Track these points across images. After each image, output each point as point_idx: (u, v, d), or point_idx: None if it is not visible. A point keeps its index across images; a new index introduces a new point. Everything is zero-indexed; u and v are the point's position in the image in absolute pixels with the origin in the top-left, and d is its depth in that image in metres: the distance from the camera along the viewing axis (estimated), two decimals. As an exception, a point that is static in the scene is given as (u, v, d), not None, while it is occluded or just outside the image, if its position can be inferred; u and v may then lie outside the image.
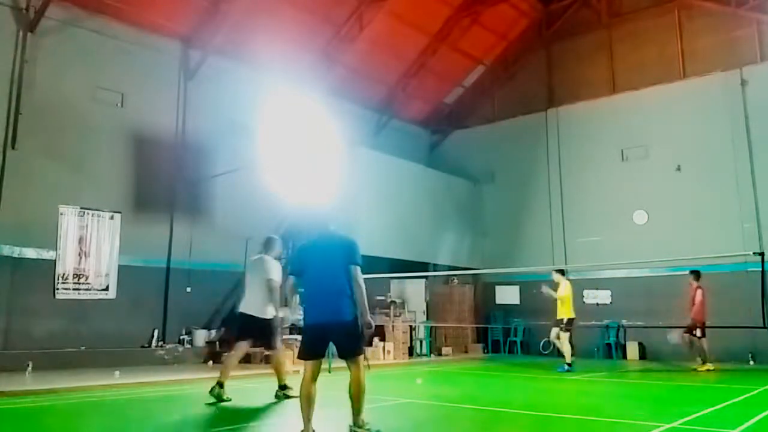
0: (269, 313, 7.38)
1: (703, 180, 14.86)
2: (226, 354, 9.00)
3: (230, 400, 7.00)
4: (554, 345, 12.07)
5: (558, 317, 11.78)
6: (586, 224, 16.52)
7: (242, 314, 7.49)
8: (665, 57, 16.08)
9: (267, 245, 7.82)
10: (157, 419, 5.98)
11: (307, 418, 4.77)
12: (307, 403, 4.79)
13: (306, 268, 5.14)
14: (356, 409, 4.87)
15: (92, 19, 12.21)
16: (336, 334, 4.92)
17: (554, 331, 11.79)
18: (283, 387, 7.57)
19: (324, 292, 4.95)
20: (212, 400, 6.85)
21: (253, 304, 7.44)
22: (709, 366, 11.64)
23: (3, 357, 10.18)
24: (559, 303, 11.76)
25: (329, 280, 4.95)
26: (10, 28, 11.25)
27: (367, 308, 5.01)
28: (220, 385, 7.07)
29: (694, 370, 11.58)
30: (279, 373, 7.60)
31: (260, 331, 7.46)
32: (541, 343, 15.01)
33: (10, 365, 9.95)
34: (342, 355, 5.00)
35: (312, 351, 4.95)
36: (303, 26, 14.84)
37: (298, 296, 5.70)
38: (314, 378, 4.88)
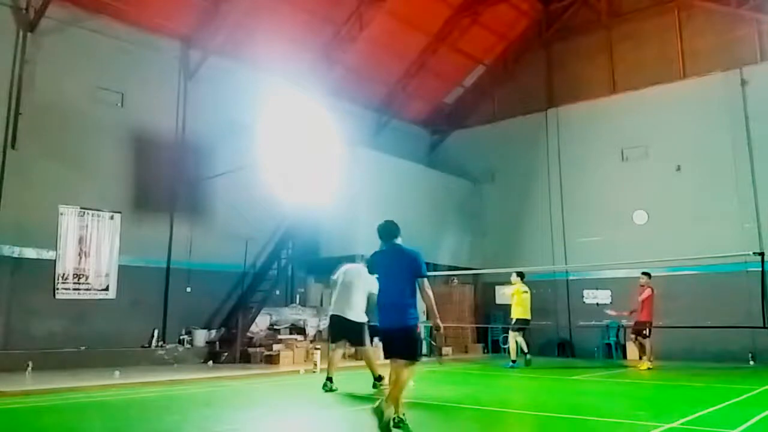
0: (364, 318, 8.59)
1: (703, 180, 14.86)
2: (329, 351, 9.46)
3: (337, 389, 8.21)
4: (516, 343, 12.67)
5: (510, 317, 12.89)
6: (586, 224, 16.52)
7: (342, 318, 8.53)
8: (665, 57, 16.08)
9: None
10: (157, 419, 5.98)
11: (396, 405, 5.41)
12: (396, 390, 5.42)
13: (380, 273, 5.80)
14: (391, 396, 5.33)
15: (92, 19, 12.21)
16: (398, 338, 5.47)
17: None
18: (378, 378, 8.41)
19: (391, 301, 5.57)
20: (327, 392, 8.09)
21: (353, 309, 8.54)
22: (649, 365, 11.94)
23: (3, 357, 10.18)
24: (512, 303, 12.86)
25: (396, 290, 5.53)
26: (10, 28, 11.25)
27: (437, 313, 5.66)
28: (330, 379, 8.28)
29: (648, 369, 11.93)
30: (371, 367, 8.56)
31: (356, 333, 8.58)
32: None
33: (10, 365, 9.96)
34: (401, 357, 5.45)
35: (387, 352, 5.62)
36: (303, 26, 14.84)
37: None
38: (395, 371, 5.51)
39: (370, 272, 6.20)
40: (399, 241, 5.84)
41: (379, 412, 5.13)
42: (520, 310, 12.67)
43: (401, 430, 5.27)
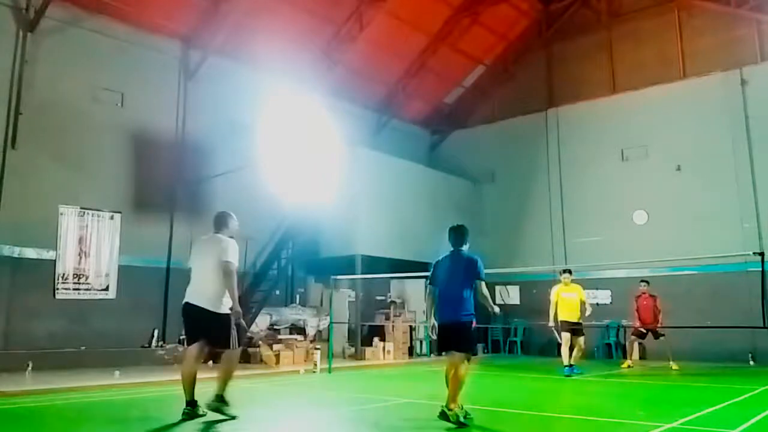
0: (224, 306, 5.95)
1: (703, 180, 14.86)
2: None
3: (205, 414, 5.94)
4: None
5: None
6: (586, 224, 16.52)
7: (190, 306, 6.01)
8: (665, 57, 16.08)
9: (220, 222, 6.40)
10: (157, 419, 5.98)
11: (454, 396, 5.73)
12: (448, 382, 5.82)
13: (439, 279, 6.22)
14: (450, 396, 5.65)
15: (92, 19, 12.21)
16: (453, 331, 5.93)
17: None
18: (219, 398, 5.95)
19: (448, 298, 6.05)
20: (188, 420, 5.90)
21: (203, 294, 5.97)
22: (630, 363, 12.44)
23: (3, 357, 10.19)
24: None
25: (454, 289, 6.02)
26: (10, 28, 11.25)
27: (492, 304, 6.27)
28: (190, 403, 5.93)
29: (630, 367, 12.26)
30: (223, 380, 6.00)
31: (213, 329, 5.95)
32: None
33: (10, 365, 9.96)
34: (457, 349, 5.85)
35: (443, 346, 6.13)
36: (303, 26, 14.84)
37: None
38: (452, 365, 5.83)
39: (432, 277, 6.29)
40: (466, 247, 6.34)
41: (452, 416, 5.53)
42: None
43: (468, 423, 5.58)
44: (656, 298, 12.53)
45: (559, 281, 11.61)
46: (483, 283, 6.10)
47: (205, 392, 6.00)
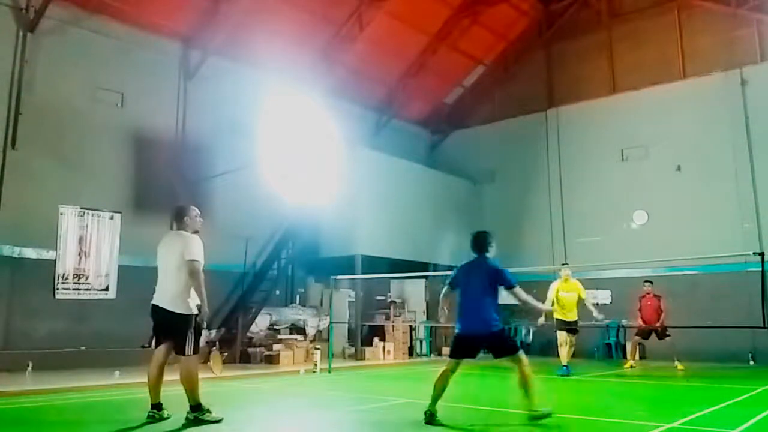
0: (184, 306, 5.70)
1: (703, 180, 14.86)
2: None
3: (170, 417, 5.80)
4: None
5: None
6: (586, 224, 16.52)
7: (153, 306, 5.83)
8: (665, 57, 16.08)
9: (179, 217, 6.13)
10: (157, 419, 5.98)
11: (434, 399, 5.78)
12: (441, 388, 5.80)
13: (460, 283, 6.08)
14: (527, 396, 5.61)
15: (92, 19, 12.21)
16: (487, 341, 5.85)
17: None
18: (196, 407, 5.68)
19: (472, 309, 5.86)
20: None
21: (164, 293, 5.77)
22: (632, 363, 12.25)
23: (3, 357, 10.19)
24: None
25: (477, 300, 5.83)
26: (10, 28, 11.26)
27: (536, 304, 6.26)
28: (155, 406, 5.81)
29: (632, 367, 12.12)
30: (189, 390, 5.70)
31: (170, 329, 5.73)
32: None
33: (10, 365, 9.96)
34: (499, 356, 5.81)
35: (461, 354, 5.91)
36: (303, 26, 14.84)
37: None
38: (452, 371, 5.83)
39: (453, 279, 6.17)
40: (490, 253, 6.12)
41: (538, 416, 5.55)
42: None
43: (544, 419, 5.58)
44: (660, 298, 12.46)
45: (559, 277, 11.56)
46: (518, 288, 5.91)
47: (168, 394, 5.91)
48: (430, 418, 5.74)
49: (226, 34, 13.55)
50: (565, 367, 10.82)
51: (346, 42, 15.65)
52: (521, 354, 5.73)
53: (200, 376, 5.97)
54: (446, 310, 6.16)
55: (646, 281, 12.79)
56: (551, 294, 11.23)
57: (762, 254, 8.87)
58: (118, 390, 8.54)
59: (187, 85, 13.64)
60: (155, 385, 5.81)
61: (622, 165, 16.27)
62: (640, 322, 12.64)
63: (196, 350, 5.74)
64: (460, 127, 19.65)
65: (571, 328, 11.21)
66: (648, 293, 12.59)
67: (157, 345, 5.91)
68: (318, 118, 13.21)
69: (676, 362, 11.91)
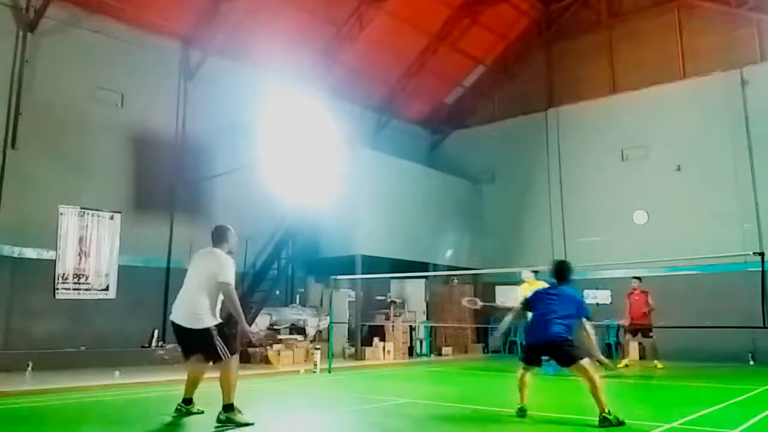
0: (199, 322, 5.68)
1: (703, 180, 14.86)
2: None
3: (202, 412, 6.03)
4: None
5: None
6: (586, 224, 16.52)
7: (173, 324, 5.94)
8: (665, 57, 16.08)
9: (220, 236, 6.08)
10: (157, 419, 5.98)
11: (522, 396, 6.19)
12: (523, 386, 6.22)
13: (538, 305, 6.38)
14: (597, 402, 5.76)
15: (92, 19, 12.21)
16: (552, 350, 6.16)
17: None
18: (228, 407, 5.69)
19: (544, 325, 6.16)
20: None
21: (182, 310, 5.81)
22: (627, 362, 12.51)
23: (3, 357, 10.18)
24: None
25: (553, 316, 6.12)
26: (10, 28, 11.25)
27: (595, 347, 6.48)
28: (184, 400, 6.06)
29: (627, 366, 12.32)
30: (225, 390, 5.72)
31: (196, 346, 5.83)
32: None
33: (10, 365, 9.95)
34: (564, 364, 6.12)
35: (530, 360, 6.31)
36: (303, 26, 14.84)
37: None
38: (528, 372, 6.24)
39: (531, 305, 6.44)
40: (569, 283, 6.46)
41: (612, 419, 5.63)
42: None
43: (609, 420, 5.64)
44: (648, 293, 12.55)
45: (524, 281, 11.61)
46: (587, 322, 6.29)
47: (204, 392, 5.98)
48: (521, 412, 6.09)
49: (226, 34, 13.55)
50: (550, 366, 10.91)
51: (346, 42, 15.65)
52: (584, 362, 5.92)
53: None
54: (508, 322, 6.82)
55: (635, 278, 12.88)
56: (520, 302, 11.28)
57: (762, 254, 8.86)
58: (118, 390, 8.53)
59: (187, 85, 13.64)
60: (191, 383, 6.03)
61: (622, 165, 16.27)
62: (628, 319, 12.72)
63: (233, 352, 5.75)
64: (460, 127, 19.65)
65: None
66: (635, 289, 12.67)
67: (186, 357, 6.07)
68: (318, 118, 13.21)
69: (656, 361, 12.14)
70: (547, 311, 6.14)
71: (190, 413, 5.98)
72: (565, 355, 6.01)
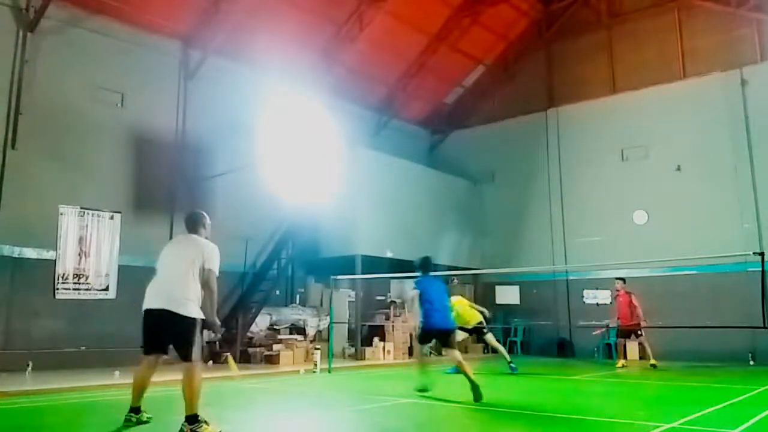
0: (195, 310, 5.28)
1: (703, 180, 14.86)
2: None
3: (148, 421, 5.64)
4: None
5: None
6: (586, 224, 16.53)
7: (150, 312, 5.51)
8: (665, 57, 16.09)
9: (195, 223, 5.91)
10: (157, 419, 5.98)
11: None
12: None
13: (426, 293, 7.88)
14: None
15: (92, 19, 12.21)
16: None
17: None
18: (192, 419, 5.10)
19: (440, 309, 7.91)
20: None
21: (167, 296, 5.32)
22: (623, 363, 12.58)
23: (3, 357, 10.19)
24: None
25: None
26: (10, 28, 11.25)
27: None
28: (131, 409, 5.63)
29: (624, 366, 12.40)
30: (189, 398, 5.18)
31: (175, 333, 5.30)
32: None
33: (10, 365, 9.96)
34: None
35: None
36: (303, 26, 14.84)
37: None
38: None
39: (422, 290, 7.87)
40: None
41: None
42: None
43: None
44: (632, 294, 12.62)
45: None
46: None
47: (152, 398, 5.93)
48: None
49: (226, 34, 13.55)
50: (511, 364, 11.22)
51: (346, 42, 15.65)
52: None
53: (203, 377, 5.92)
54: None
55: (618, 279, 12.93)
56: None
57: (762, 254, 8.87)
58: (118, 390, 8.52)
59: (187, 85, 13.64)
60: (138, 389, 5.63)
61: (622, 165, 16.28)
62: (617, 320, 12.85)
63: (199, 356, 5.36)
64: (460, 127, 19.65)
65: (470, 330, 11.95)
66: (618, 291, 12.71)
67: (149, 351, 5.60)
68: (318, 117, 13.21)
69: (652, 360, 12.26)
70: (439, 300, 7.68)
71: (140, 422, 5.52)
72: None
